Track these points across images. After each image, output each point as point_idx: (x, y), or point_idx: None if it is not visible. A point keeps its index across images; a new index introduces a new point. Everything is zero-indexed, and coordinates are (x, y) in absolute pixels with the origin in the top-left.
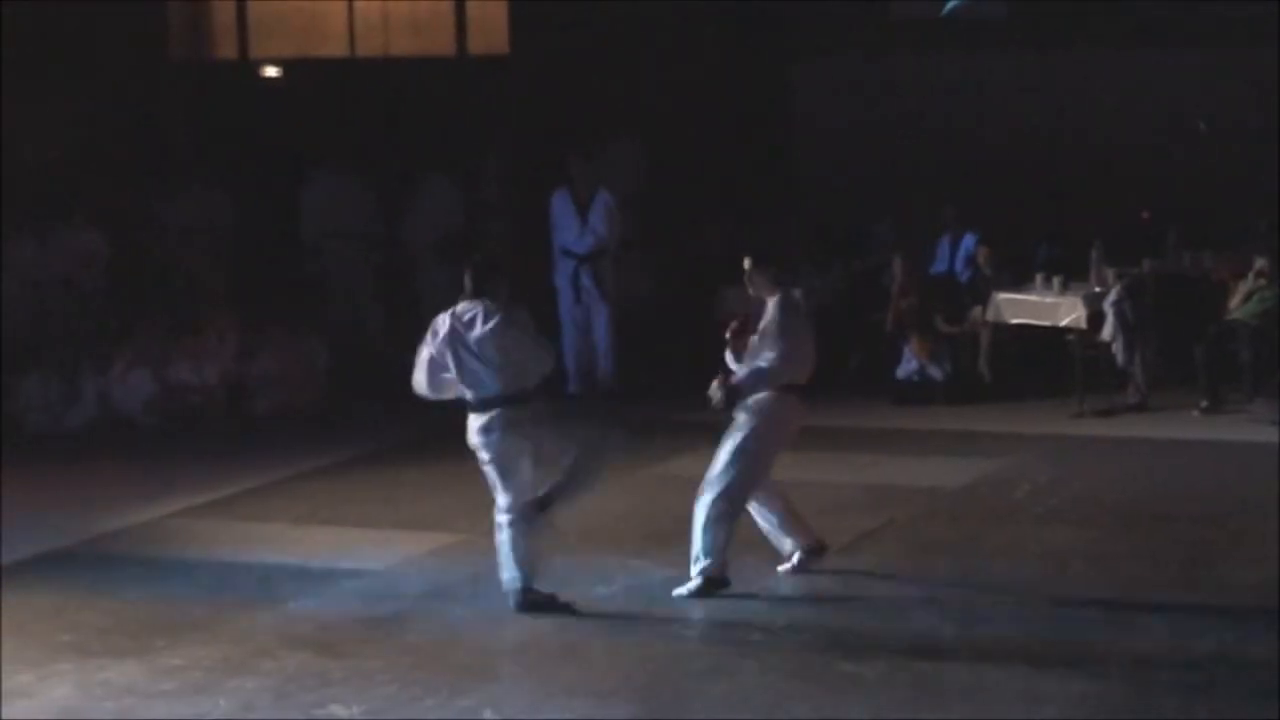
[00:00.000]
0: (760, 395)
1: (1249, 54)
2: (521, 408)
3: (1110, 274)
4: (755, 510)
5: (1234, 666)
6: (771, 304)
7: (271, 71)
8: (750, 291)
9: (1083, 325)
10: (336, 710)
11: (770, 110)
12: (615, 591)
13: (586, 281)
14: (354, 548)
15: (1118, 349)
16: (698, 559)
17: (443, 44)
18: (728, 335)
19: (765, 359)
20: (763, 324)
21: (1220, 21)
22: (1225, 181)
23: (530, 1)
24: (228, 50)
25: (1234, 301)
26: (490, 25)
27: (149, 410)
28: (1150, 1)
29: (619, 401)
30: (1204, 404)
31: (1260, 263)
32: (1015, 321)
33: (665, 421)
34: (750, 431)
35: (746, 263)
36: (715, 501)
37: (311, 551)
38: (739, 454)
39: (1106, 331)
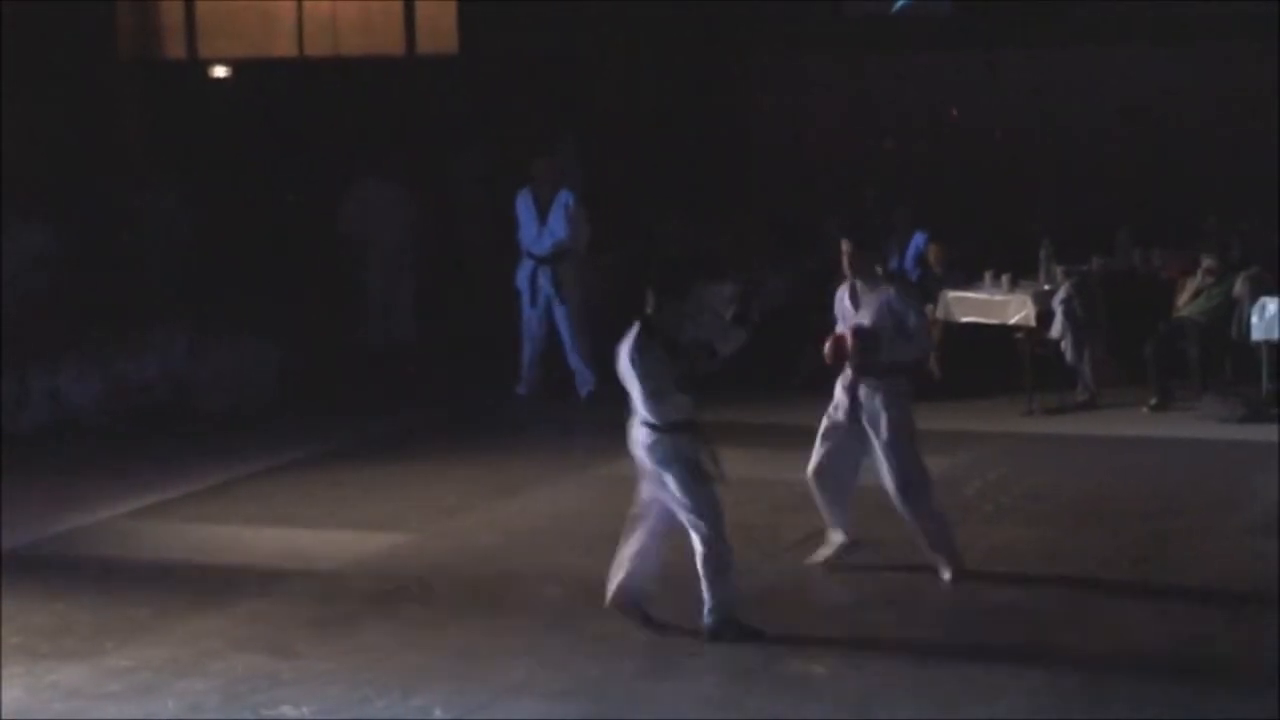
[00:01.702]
0: (887, 386)
1: (1198, 50)
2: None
3: (1059, 272)
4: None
5: (1186, 661)
6: (889, 294)
7: (221, 71)
8: (850, 275)
9: (1032, 323)
10: (286, 711)
11: (724, 107)
12: (565, 590)
13: (544, 283)
14: (304, 548)
15: (1067, 347)
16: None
17: (392, 44)
18: (830, 351)
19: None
20: (889, 312)
21: (1169, 18)
22: (1175, 179)
23: (480, 1)
24: (177, 50)
25: (1182, 299)
26: (440, 25)
27: (98, 410)
28: None
29: (599, 405)
30: (1153, 401)
31: (1209, 260)
32: (965, 319)
33: (616, 422)
34: (891, 425)
35: (846, 245)
36: (905, 496)
37: (261, 552)
38: (892, 448)
39: (1055, 329)
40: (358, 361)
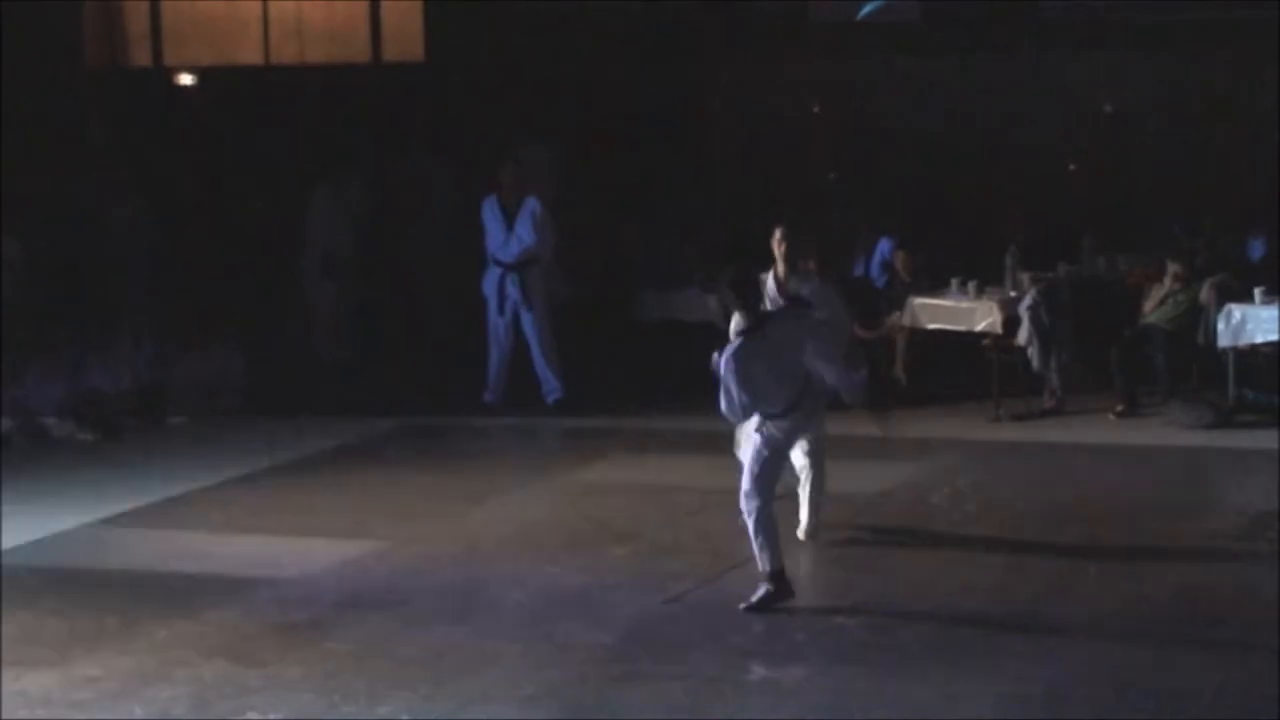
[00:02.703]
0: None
1: (1164, 57)
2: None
3: (1025, 278)
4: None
5: (1153, 669)
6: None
7: (187, 78)
8: (783, 265)
9: (998, 330)
10: (254, 718)
11: (687, 112)
12: (533, 598)
13: (512, 290)
14: (272, 556)
15: (1033, 353)
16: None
17: (358, 51)
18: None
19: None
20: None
21: (1136, 25)
22: (1140, 185)
23: (445, 7)
24: (143, 57)
25: (1149, 305)
26: (405, 32)
27: (65, 418)
28: (1061, 5)
29: (566, 412)
30: (1120, 408)
31: (1174, 266)
32: (931, 326)
33: (583, 429)
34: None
35: (780, 233)
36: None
37: (229, 560)
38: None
39: (1022, 336)
40: (321, 369)
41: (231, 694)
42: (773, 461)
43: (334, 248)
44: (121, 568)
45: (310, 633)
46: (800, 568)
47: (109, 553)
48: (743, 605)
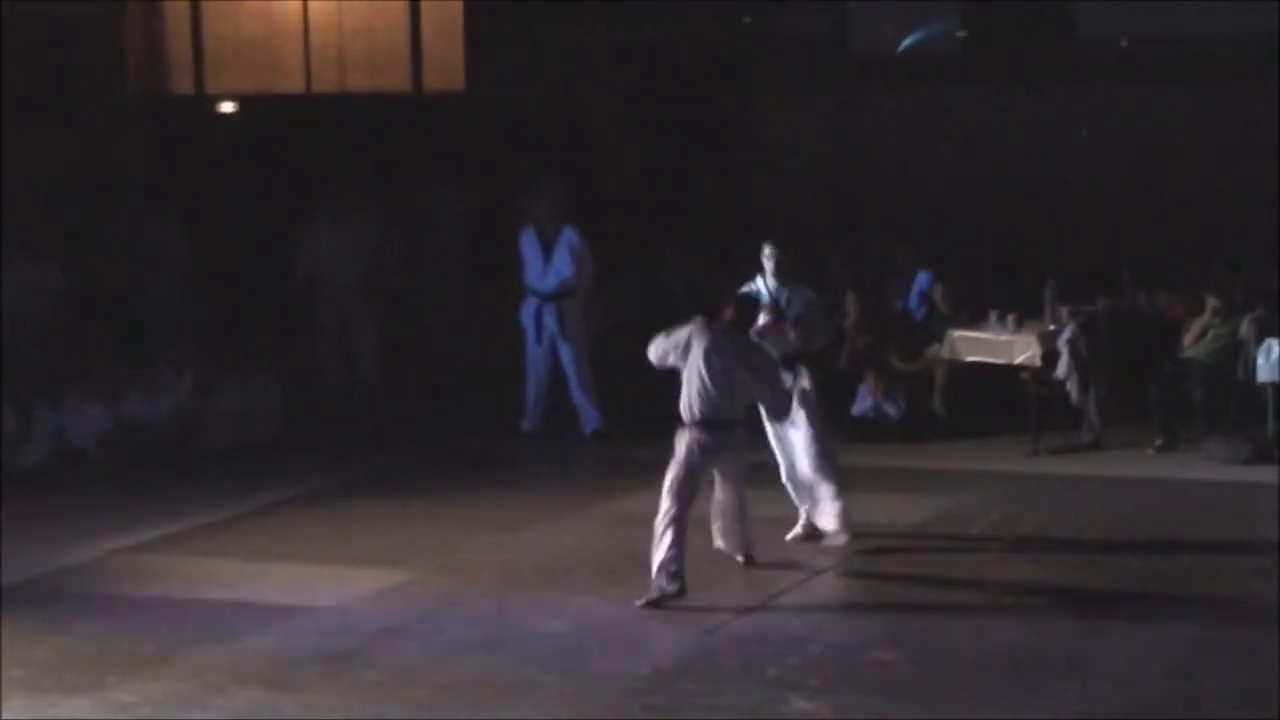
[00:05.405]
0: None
1: (1205, 90)
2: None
3: (1064, 312)
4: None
5: (1188, 702)
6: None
7: (228, 107)
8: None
9: (1037, 363)
10: None
11: (734, 145)
12: (568, 629)
13: (549, 321)
14: (308, 584)
15: (1072, 387)
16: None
17: (399, 80)
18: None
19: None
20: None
21: (1176, 58)
22: (1179, 219)
23: (487, 38)
24: (184, 85)
25: (1188, 340)
26: (446, 62)
27: (103, 444)
28: (1102, 37)
29: (604, 442)
30: (1158, 443)
31: (1213, 301)
32: (970, 359)
33: (621, 459)
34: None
35: (775, 252)
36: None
37: (265, 588)
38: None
39: (1061, 369)
40: (358, 398)
41: None
42: (689, 471)
43: (322, 277)
44: (157, 594)
45: (346, 661)
46: (836, 596)
47: (145, 579)
48: (638, 603)
